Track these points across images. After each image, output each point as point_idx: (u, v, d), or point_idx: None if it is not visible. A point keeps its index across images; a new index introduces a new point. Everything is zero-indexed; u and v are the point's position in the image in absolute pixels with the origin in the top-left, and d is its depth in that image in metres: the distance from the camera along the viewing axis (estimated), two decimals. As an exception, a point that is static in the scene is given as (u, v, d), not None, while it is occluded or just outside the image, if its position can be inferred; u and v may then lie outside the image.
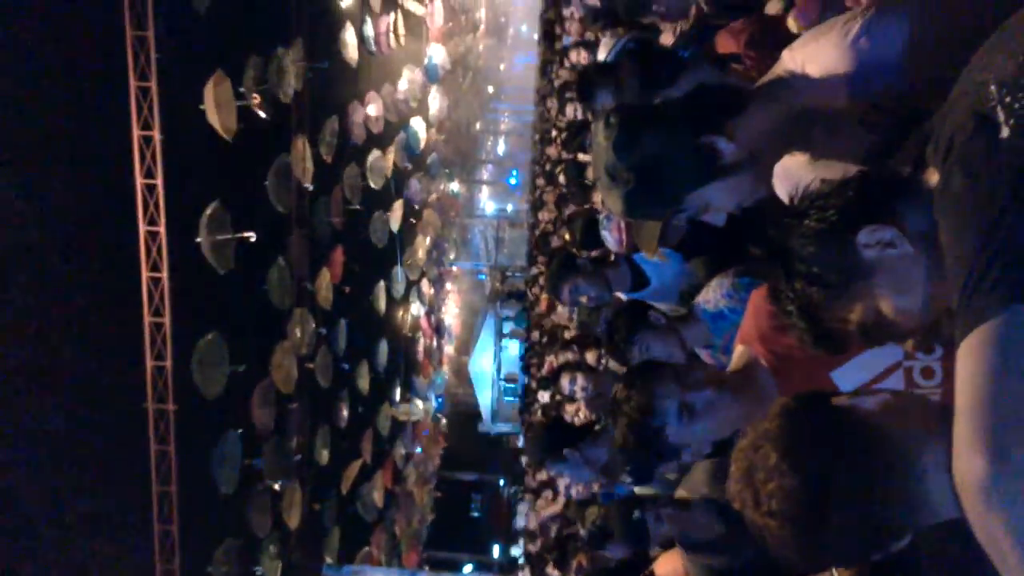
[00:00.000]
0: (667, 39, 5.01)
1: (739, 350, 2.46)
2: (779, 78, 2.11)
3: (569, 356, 9.05)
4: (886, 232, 1.53)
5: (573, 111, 9.64)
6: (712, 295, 3.46)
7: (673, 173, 1.99)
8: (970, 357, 1.34)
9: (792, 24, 3.25)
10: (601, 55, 5.79)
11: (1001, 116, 1.32)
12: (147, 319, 12.54)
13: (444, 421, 29.40)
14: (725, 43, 3.74)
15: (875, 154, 1.82)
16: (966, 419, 1.31)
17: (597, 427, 5.08)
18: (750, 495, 1.47)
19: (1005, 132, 1.31)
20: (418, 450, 25.25)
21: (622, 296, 4.63)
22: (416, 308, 24.76)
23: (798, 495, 1.41)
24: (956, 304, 1.38)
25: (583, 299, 4.56)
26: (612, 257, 4.91)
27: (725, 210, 2.19)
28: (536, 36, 28.69)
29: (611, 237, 4.67)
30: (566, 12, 12.17)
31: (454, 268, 30.36)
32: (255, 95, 13.50)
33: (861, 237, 1.54)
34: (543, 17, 21.30)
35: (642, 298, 4.40)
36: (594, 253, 5.25)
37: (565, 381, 7.72)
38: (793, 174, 2.07)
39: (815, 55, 2.05)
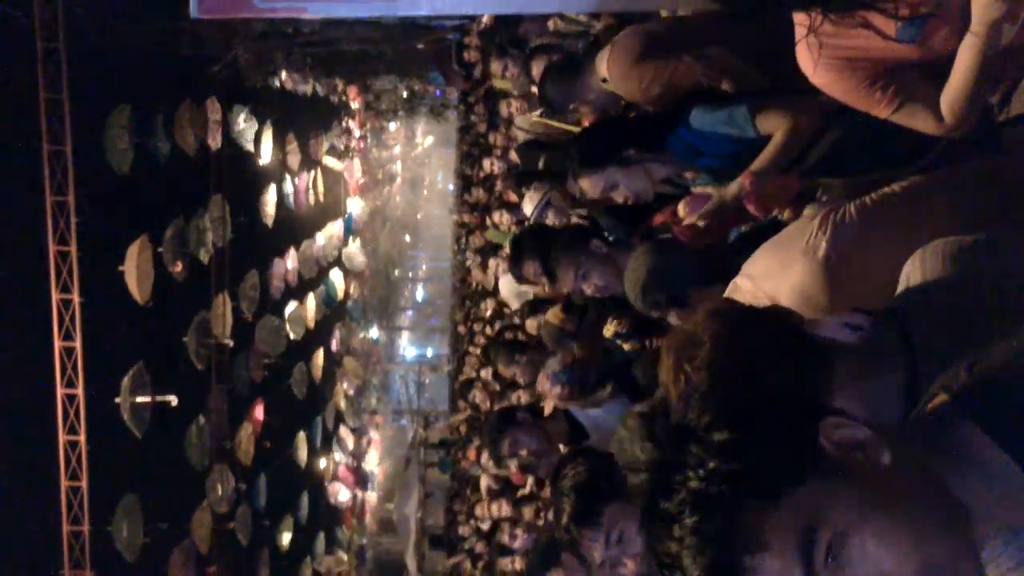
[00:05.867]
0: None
1: None
2: None
3: (505, 508, 9.16)
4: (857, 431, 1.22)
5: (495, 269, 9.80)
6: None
7: None
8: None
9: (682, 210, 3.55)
10: (527, 209, 6.15)
11: None
12: (63, 483, 12.37)
13: (367, 573, 28.76)
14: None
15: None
16: None
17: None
18: (676, 383, 1.59)
19: None
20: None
21: (562, 448, 4.60)
22: (338, 457, 24.58)
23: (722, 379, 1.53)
24: None
25: (523, 452, 4.45)
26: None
27: None
28: (451, 187, 29.61)
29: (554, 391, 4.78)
30: (486, 165, 12.53)
31: (376, 416, 30.29)
32: (178, 262, 13.73)
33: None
34: (458, 173, 22.08)
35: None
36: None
37: (504, 537, 7.88)
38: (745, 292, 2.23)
39: (784, 284, 2.13)
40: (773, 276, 2.18)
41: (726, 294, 2.41)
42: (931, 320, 1.64)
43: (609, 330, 4.75)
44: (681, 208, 3.26)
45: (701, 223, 3.19)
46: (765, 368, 1.58)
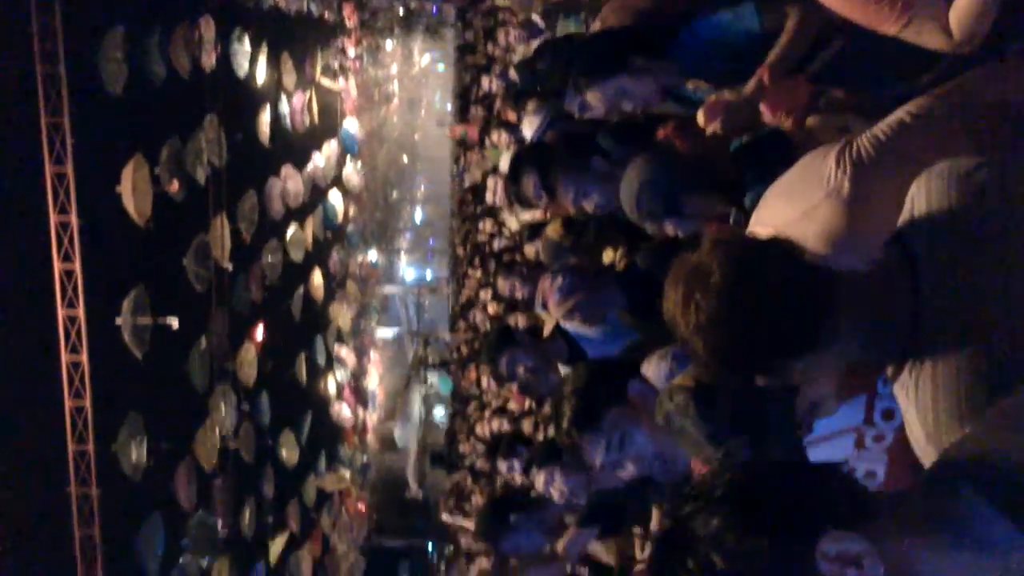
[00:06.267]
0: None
1: None
2: None
3: (504, 425, 9.24)
4: (854, 545, 1.23)
5: (493, 194, 9.77)
6: (652, 373, 3.60)
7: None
8: None
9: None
10: (526, 131, 6.07)
11: None
12: (67, 403, 12.51)
13: (370, 489, 29.24)
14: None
15: None
16: None
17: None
18: (684, 314, 1.61)
19: None
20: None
21: (561, 368, 4.61)
22: (339, 377, 24.80)
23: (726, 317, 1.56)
24: None
25: (521, 370, 4.43)
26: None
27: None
28: (449, 107, 29.29)
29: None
30: (484, 83, 12.41)
31: (376, 336, 30.47)
32: (174, 181, 13.67)
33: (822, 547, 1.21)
34: (456, 93, 21.82)
35: None
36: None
37: (502, 467, 7.95)
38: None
39: (810, 229, 2.10)
40: (796, 223, 2.14)
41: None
42: (936, 245, 1.65)
43: (608, 257, 4.73)
44: (700, 116, 3.22)
45: (721, 130, 3.16)
46: (774, 294, 1.60)
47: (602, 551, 4.80)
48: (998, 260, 1.59)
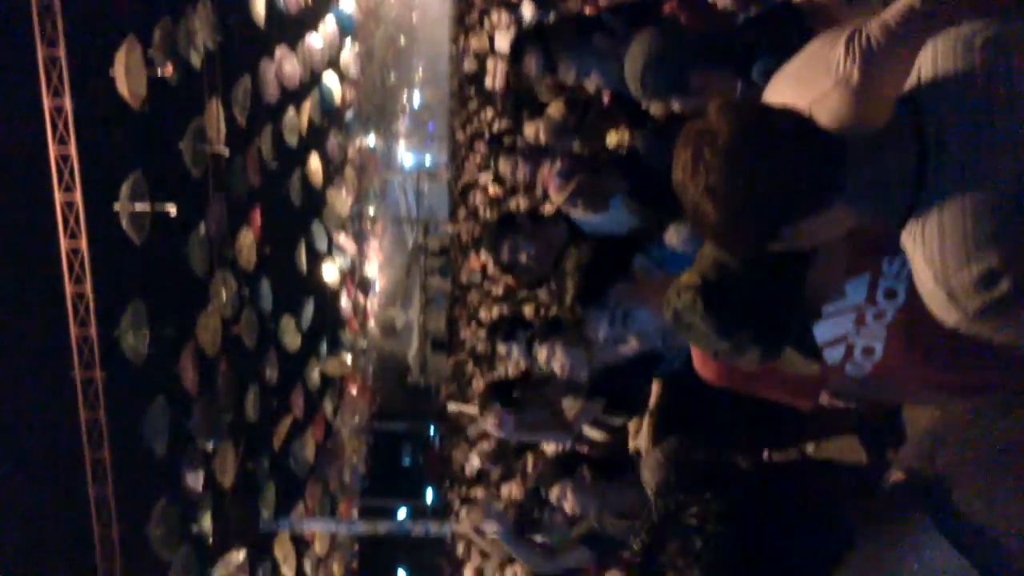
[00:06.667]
0: None
1: None
2: None
3: (504, 310, 9.26)
4: None
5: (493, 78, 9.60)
6: (674, 240, 3.38)
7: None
8: None
9: None
10: (526, 12, 5.93)
11: None
12: (68, 288, 12.55)
13: (372, 374, 29.65)
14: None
15: None
16: None
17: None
18: (694, 177, 1.62)
19: None
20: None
21: None
22: (339, 263, 24.85)
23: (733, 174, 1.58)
24: None
25: (523, 257, 4.38)
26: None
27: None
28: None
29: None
30: None
31: (375, 223, 30.41)
32: (167, 64, 13.41)
33: None
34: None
35: None
36: None
37: (502, 349, 7.99)
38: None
39: (822, 118, 1.98)
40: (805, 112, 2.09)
41: None
42: (942, 99, 1.66)
43: (612, 139, 4.65)
44: None
45: (732, 4, 3.07)
46: (781, 152, 1.61)
47: (596, 433, 4.84)
48: (1006, 110, 1.59)
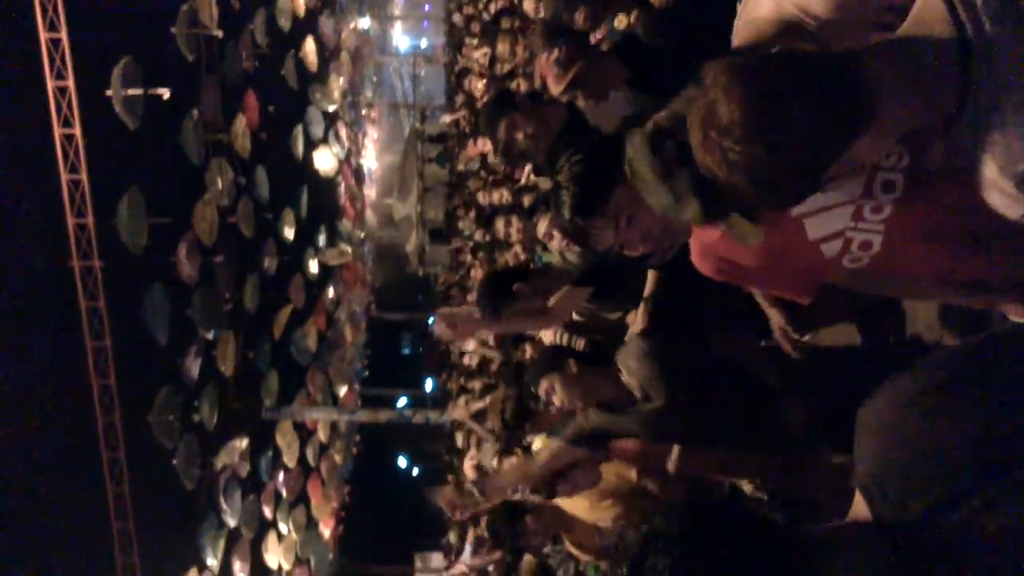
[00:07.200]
0: None
1: None
2: None
3: (506, 195, 9.18)
4: None
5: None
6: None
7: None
8: None
9: None
10: None
11: None
12: (64, 176, 12.41)
13: (371, 264, 29.68)
14: None
15: None
16: None
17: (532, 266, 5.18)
18: (716, 162, 1.58)
19: None
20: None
21: None
22: (336, 151, 24.58)
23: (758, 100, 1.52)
24: None
25: (520, 136, 4.29)
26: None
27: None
28: None
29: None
30: None
31: (372, 109, 29.96)
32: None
33: None
34: None
35: None
36: None
37: (500, 225, 7.94)
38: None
39: None
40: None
41: (742, 10, 2.20)
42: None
43: (621, 23, 4.49)
44: None
45: None
46: (795, 114, 1.53)
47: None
48: None
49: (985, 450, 1.33)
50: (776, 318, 3.12)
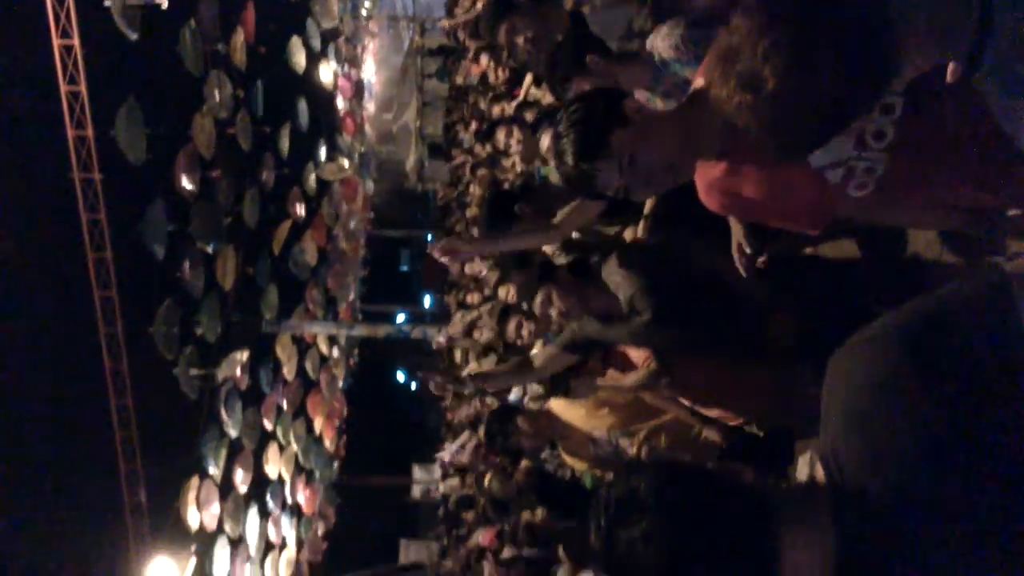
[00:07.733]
0: None
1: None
2: None
3: (508, 108, 9.10)
4: None
5: None
6: (660, 43, 3.38)
7: None
8: None
9: None
10: None
11: None
12: (63, 88, 12.31)
13: (371, 182, 29.52)
14: None
15: None
16: None
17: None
18: (730, 67, 1.60)
19: None
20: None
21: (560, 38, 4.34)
22: (334, 65, 24.29)
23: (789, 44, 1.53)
24: None
25: (520, 40, 4.25)
26: None
27: None
28: None
29: None
30: None
31: (370, 22, 29.48)
32: None
33: None
34: None
35: None
36: None
37: (501, 135, 7.92)
38: None
39: None
40: None
41: None
42: None
43: None
44: None
45: None
46: (828, 77, 1.54)
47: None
48: None
49: (939, 449, 1.35)
50: (736, 230, 3.18)
